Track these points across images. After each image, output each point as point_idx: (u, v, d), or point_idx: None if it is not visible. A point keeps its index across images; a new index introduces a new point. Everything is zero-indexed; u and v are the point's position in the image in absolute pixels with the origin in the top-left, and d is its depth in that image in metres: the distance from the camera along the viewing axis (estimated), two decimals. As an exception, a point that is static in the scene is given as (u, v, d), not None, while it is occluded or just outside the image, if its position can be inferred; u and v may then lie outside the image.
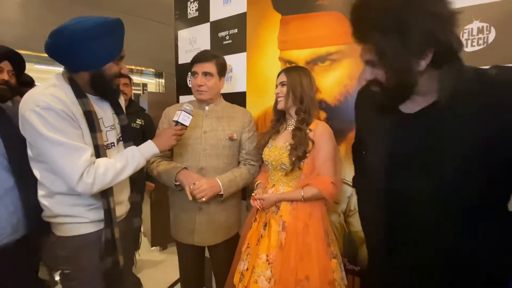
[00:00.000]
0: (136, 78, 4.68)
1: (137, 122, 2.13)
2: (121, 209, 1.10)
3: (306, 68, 1.31)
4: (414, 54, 0.61)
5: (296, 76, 1.23)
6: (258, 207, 1.22)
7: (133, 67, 4.19)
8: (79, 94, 0.94)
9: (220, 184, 1.28)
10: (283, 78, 1.25)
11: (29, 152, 0.96)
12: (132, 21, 3.72)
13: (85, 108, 0.94)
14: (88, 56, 0.91)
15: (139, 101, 3.21)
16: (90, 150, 0.92)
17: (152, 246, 2.82)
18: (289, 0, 1.53)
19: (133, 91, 2.46)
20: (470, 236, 0.68)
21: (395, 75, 0.65)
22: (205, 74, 1.32)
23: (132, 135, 1.15)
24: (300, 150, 1.16)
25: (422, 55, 0.61)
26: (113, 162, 0.96)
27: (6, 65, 1.28)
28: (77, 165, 0.88)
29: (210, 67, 1.32)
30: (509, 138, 0.60)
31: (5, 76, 1.26)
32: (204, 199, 1.24)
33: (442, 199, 0.68)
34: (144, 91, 4.76)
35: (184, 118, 1.15)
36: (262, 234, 1.23)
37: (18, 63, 1.36)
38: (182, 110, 1.16)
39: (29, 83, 1.79)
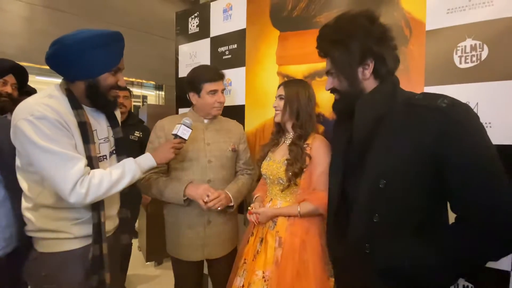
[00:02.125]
0: (136, 90, 4.72)
1: (135, 134, 2.14)
2: (109, 224, 1.07)
3: (306, 82, 1.32)
4: (356, 62, 0.79)
5: (294, 90, 1.23)
6: (254, 221, 1.21)
7: (133, 79, 4.24)
8: (75, 105, 0.94)
9: (230, 196, 1.30)
10: (282, 91, 1.26)
11: (17, 162, 0.94)
12: (133, 34, 3.80)
13: (80, 119, 0.93)
14: (84, 66, 0.92)
15: (139, 113, 3.23)
16: (84, 160, 0.90)
17: (147, 261, 2.75)
18: (287, 17, 1.57)
19: (133, 103, 2.48)
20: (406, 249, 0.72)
21: (344, 80, 0.82)
22: (223, 91, 1.36)
23: (129, 148, 1.14)
24: (296, 166, 1.15)
25: (363, 63, 0.78)
26: (108, 173, 0.94)
27: (10, 78, 1.30)
28: (71, 175, 0.86)
29: (223, 84, 1.38)
30: (429, 154, 0.68)
31: (8, 89, 1.29)
32: (219, 208, 1.25)
33: (380, 213, 0.74)
34: (144, 103, 4.80)
35: (184, 132, 1.14)
36: (258, 250, 1.20)
37: (22, 76, 1.38)
38: (181, 124, 1.15)
39: (31, 94, 1.80)
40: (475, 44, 1.09)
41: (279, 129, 1.33)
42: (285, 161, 1.19)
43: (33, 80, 3.11)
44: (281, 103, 1.24)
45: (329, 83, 0.87)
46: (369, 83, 0.81)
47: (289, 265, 1.10)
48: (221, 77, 1.35)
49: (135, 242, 2.94)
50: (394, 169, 0.72)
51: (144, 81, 4.29)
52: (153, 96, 4.84)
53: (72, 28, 0.96)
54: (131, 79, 4.22)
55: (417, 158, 0.69)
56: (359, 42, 0.76)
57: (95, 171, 0.93)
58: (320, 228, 1.18)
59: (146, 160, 1.06)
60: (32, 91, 1.74)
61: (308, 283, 1.07)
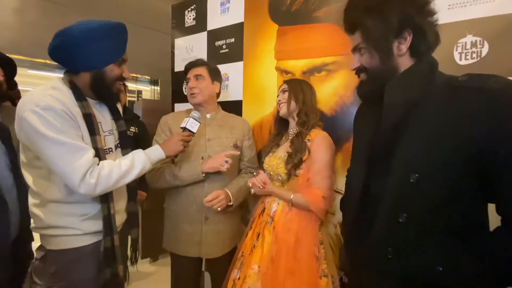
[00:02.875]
0: (131, 85, 4.65)
1: (130, 129, 2.10)
2: (118, 219, 1.06)
3: (306, 81, 1.34)
4: (393, 33, 0.67)
5: (297, 83, 1.27)
6: (258, 183, 1.18)
7: (128, 74, 4.17)
8: (79, 96, 0.93)
9: (230, 195, 1.28)
10: (284, 86, 1.28)
11: (22, 158, 0.92)
12: (128, 28, 3.73)
13: (85, 111, 0.92)
14: (90, 56, 0.91)
15: (134, 108, 3.18)
16: (92, 150, 0.89)
17: (142, 258, 2.73)
18: (286, 12, 1.55)
19: (128, 98, 2.44)
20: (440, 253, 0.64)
21: (376, 54, 0.70)
22: (196, 77, 1.35)
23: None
24: (296, 157, 1.15)
25: (400, 36, 0.68)
26: (118, 164, 0.94)
27: None
28: (80, 165, 0.85)
29: (201, 70, 1.36)
30: (474, 146, 0.58)
31: None
32: (219, 209, 1.24)
33: (412, 206, 0.65)
34: (139, 98, 4.73)
35: (192, 125, 1.16)
36: (255, 244, 1.21)
37: (10, 68, 1.34)
38: (190, 117, 1.17)
39: (12, 87, 1.75)
40: (476, 41, 1.08)
41: (279, 131, 1.33)
42: (285, 156, 1.19)
43: (25, 74, 3.04)
44: (285, 95, 1.25)
45: (355, 61, 0.75)
46: (404, 61, 0.70)
47: (283, 262, 1.10)
48: (194, 64, 1.37)
49: (130, 239, 2.93)
50: (429, 162, 0.62)
51: (139, 75, 4.22)
52: (148, 91, 4.77)
53: (65, 20, 0.93)
54: (125, 74, 4.15)
55: (459, 150, 0.59)
56: (399, 9, 0.65)
57: (104, 162, 0.92)
58: (316, 227, 1.18)
59: (156, 152, 1.06)
60: (14, 85, 1.69)
61: (300, 281, 1.07)
